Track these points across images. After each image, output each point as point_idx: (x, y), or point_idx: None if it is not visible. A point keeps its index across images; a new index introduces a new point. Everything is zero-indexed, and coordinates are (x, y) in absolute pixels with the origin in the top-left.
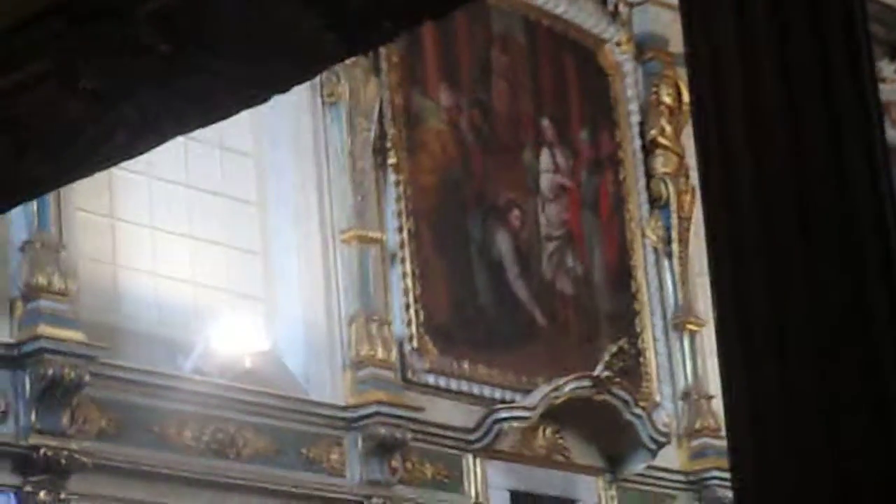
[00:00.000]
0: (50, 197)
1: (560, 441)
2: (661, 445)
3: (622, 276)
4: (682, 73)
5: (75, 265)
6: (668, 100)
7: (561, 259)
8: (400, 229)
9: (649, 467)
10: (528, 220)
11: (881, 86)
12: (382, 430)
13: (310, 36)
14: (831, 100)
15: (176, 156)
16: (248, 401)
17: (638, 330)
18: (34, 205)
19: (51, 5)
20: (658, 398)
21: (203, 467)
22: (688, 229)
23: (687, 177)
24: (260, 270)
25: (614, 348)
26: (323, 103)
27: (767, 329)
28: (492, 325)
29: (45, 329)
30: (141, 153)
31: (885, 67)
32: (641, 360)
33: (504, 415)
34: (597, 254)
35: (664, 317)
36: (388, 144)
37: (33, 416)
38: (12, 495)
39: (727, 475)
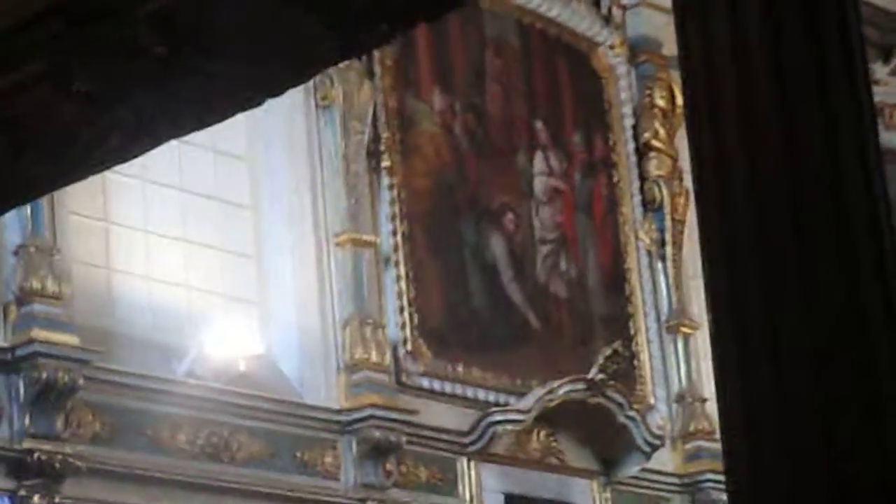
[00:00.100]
0: (43, 200)
1: (554, 444)
2: (655, 448)
3: (616, 278)
4: (675, 76)
5: (69, 269)
6: (661, 103)
7: (555, 262)
8: (394, 232)
9: (644, 470)
10: (521, 224)
11: (874, 88)
12: (377, 434)
13: (305, 39)
14: (825, 102)
15: (170, 159)
16: (243, 404)
17: (632, 333)
18: (28, 208)
19: (49, 6)
20: (652, 401)
21: (197, 471)
22: (681, 232)
23: (681, 180)
24: (254, 274)
25: (608, 351)
26: (317, 106)
27: (762, 330)
28: (486, 328)
29: (38, 333)
30: (135, 156)
31: (879, 69)
32: (635, 362)
33: (498, 418)
34: (591, 257)
35: (658, 320)
36: (382, 148)
37: (27, 420)
38: (6, 499)
39: (721, 478)
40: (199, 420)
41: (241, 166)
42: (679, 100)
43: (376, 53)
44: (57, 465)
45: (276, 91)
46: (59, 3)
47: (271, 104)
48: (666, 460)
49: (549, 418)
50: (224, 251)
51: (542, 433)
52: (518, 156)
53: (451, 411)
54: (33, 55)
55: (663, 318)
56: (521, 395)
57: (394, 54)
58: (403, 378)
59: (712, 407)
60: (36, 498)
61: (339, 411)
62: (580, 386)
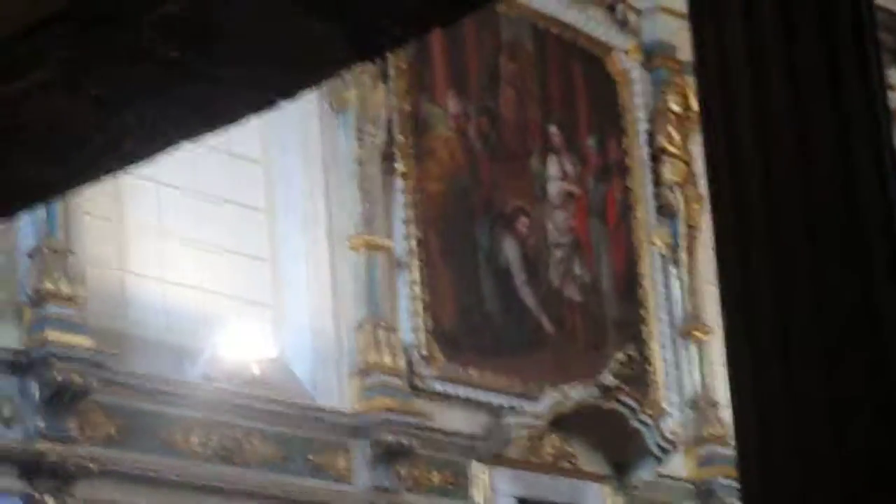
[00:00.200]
0: (58, 203)
1: (567, 448)
2: (667, 453)
3: (630, 283)
4: (689, 81)
5: (83, 271)
6: (675, 107)
7: (568, 266)
8: (407, 236)
9: (656, 475)
10: (535, 228)
11: (889, 94)
12: (389, 437)
13: (318, 43)
14: (839, 105)
15: (184, 162)
16: (256, 407)
17: (645, 338)
18: (42, 211)
19: (56, 12)
20: (665, 406)
21: (210, 474)
22: (695, 237)
23: (695, 184)
24: (268, 277)
25: (621, 356)
26: (331, 110)
27: (774, 331)
28: (499, 332)
29: (52, 335)
30: (150, 159)
31: (893, 75)
32: (648, 367)
33: (511, 422)
34: (604, 261)
35: (671, 325)
36: (396, 151)
37: (41, 422)
38: (19, 501)
39: (734, 483)
40: (211, 423)
41: (255, 170)
42: (693, 104)
43: (391, 57)
44: (70, 467)
45: (289, 94)
46: (65, 9)
47: (285, 108)
48: (679, 465)
49: (562, 423)
50: (238, 254)
51: (555, 437)
52: (532, 160)
53: (463, 415)
54: (39, 62)
55: (677, 323)
56: (535, 399)
57: (408, 58)
58: (416, 382)
59: (725, 412)
60: (49, 500)
61: (352, 415)
62: (593, 390)
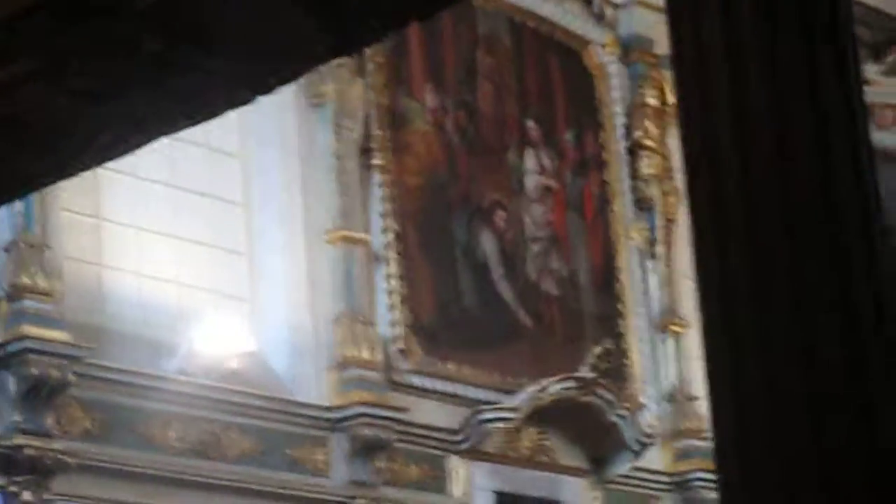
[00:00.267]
0: (34, 197)
1: (545, 442)
2: (645, 447)
3: (607, 277)
4: (667, 75)
5: (60, 265)
6: (653, 101)
7: (546, 260)
8: (385, 230)
9: (634, 468)
10: (512, 222)
11: (866, 88)
12: (367, 431)
13: (298, 37)
14: (817, 101)
15: (161, 155)
16: (233, 401)
17: (622, 331)
18: (19, 205)
19: (38, 2)
20: (642, 399)
21: (188, 468)
22: (672, 231)
23: (672, 179)
24: (245, 271)
25: (599, 349)
26: (309, 104)
27: (752, 328)
28: (477, 325)
29: (29, 329)
30: (128, 152)
31: (870, 69)
32: (626, 361)
33: (489, 416)
34: (581, 255)
35: (649, 318)
36: (374, 145)
37: (18, 416)
38: None
39: (712, 476)
40: (189, 417)
41: (233, 163)
42: (671, 98)
43: (368, 51)
44: (47, 461)
45: (268, 88)
46: None
47: (263, 102)
48: (656, 459)
49: (540, 416)
50: (215, 248)
51: (533, 431)
52: (509, 154)
53: (441, 409)
54: (25, 51)
55: (654, 316)
56: (512, 392)
57: (386, 52)
58: (394, 375)
59: (702, 405)
60: (26, 494)
61: (329, 409)
62: (571, 384)
